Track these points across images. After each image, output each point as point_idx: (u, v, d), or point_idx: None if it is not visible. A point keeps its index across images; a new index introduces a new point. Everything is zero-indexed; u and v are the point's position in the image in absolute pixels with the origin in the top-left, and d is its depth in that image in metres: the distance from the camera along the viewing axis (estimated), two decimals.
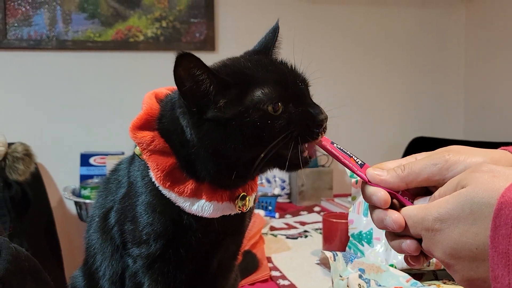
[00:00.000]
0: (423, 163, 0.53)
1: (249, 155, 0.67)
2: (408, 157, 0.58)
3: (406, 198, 0.55)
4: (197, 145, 0.68)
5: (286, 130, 0.64)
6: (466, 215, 0.46)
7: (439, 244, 0.48)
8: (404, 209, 0.53)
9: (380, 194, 0.54)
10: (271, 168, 0.72)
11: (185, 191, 0.71)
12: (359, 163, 0.59)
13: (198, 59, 0.63)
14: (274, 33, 0.77)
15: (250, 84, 0.66)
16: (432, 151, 0.55)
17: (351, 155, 0.60)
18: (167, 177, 0.71)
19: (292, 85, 0.67)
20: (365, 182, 0.57)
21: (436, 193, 0.52)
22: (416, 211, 0.51)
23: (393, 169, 0.55)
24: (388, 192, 0.54)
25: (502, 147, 0.55)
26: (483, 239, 0.45)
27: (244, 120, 0.64)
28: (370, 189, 0.56)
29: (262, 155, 0.66)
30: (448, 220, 0.47)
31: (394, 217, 0.53)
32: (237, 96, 0.65)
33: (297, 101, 0.66)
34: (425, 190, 0.57)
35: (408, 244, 0.53)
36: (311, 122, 0.65)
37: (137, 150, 0.75)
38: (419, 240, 0.52)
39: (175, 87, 0.77)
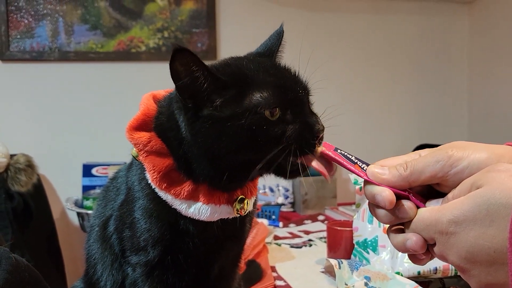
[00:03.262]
0: (425, 161, 0.51)
1: (241, 157, 0.66)
2: (411, 153, 0.56)
3: (424, 204, 0.52)
4: (191, 142, 0.67)
5: (282, 139, 0.63)
6: (483, 216, 0.44)
7: (453, 247, 0.46)
8: (418, 211, 0.51)
9: (385, 194, 0.52)
10: (267, 173, 0.70)
11: (182, 193, 0.70)
12: (365, 169, 0.57)
13: (195, 56, 0.61)
14: (278, 36, 0.76)
15: (249, 86, 0.65)
16: (436, 147, 0.53)
17: (356, 161, 0.58)
18: (163, 178, 0.70)
19: (292, 92, 0.66)
20: (368, 182, 0.54)
21: (449, 195, 0.50)
22: (429, 213, 0.49)
23: (395, 168, 0.53)
24: (400, 194, 0.52)
25: (507, 143, 0.54)
26: (501, 242, 0.43)
27: (239, 122, 0.63)
28: (375, 189, 0.53)
29: (259, 165, 0.65)
30: (464, 222, 0.45)
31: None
32: (235, 97, 0.64)
33: (295, 109, 0.65)
34: (429, 188, 0.55)
35: (414, 241, 0.50)
36: (308, 134, 0.64)
37: (134, 151, 0.74)
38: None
39: (173, 89, 0.77)
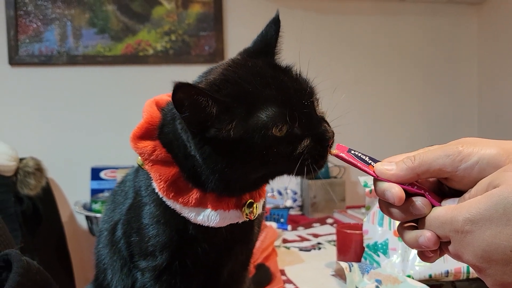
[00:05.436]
0: (435, 154, 0.51)
1: (255, 175, 0.66)
2: (420, 149, 0.55)
3: (439, 203, 0.52)
4: (202, 164, 0.66)
5: (293, 155, 0.62)
6: (499, 215, 0.44)
7: (469, 246, 0.46)
8: (434, 209, 0.51)
9: (395, 190, 0.52)
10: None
11: (190, 201, 0.69)
12: None
13: (197, 87, 0.59)
14: (275, 27, 0.72)
15: (252, 104, 0.62)
16: (445, 144, 0.53)
17: (370, 162, 0.58)
18: (170, 187, 0.70)
19: (297, 103, 0.63)
20: (378, 180, 0.54)
21: (466, 195, 0.50)
22: (445, 211, 0.49)
23: (401, 161, 0.53)
24: (416, 192, 0.52)
25: None
26: None
27: (248, 143, 0.61)
28: (384, 185, 0.53)
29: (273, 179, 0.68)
30: (480, 221, 0.45)
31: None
32: (240, 117, 0.62)
33: (303, 120, 0.63)
34: (438, 186, 0.55)
35: (427, 237, 0.50)
36: (320, 146, 0.63)
37: (139, 160, 0.74)
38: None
39: None
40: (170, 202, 0.71)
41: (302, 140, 0.63)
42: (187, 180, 0.70)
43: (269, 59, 0.71)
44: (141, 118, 0.74)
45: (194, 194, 0.69)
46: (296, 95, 0.64)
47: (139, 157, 0.73)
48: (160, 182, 0.69)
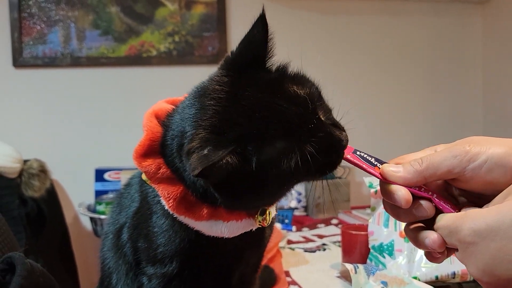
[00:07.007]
0: (442, 155, 0.50)
1: (275, 200, 0.69)
2: (427, 149, 0.55)
3: (448, 206, 0.51)
4: (218, 198, 0.64)
5: (309, 174, 0.62)
6: (505, 228, 0.43)
7: (472, 258, 0.45)
8: (442, 216, 0.50)
9: (401, 193, 0.51)
10: None
11: (202, 215, 0.68)
12: None
13: (212, 162, 0.55)
14: (263, 30, 0.65)
15: (259, 144, 0.59)
16: (452, 143, 0.52)
17: (376, 163, 0.57)
18: (180, 204, 0.67)
19: (302, 127, 0.60)
20: (385, 181, 0.54)
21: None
22: (453, 219, 0.48)
23: (409, 163, 0.52)
24: (423, 195, 0.51)
25: None
26: None
27: (262, 177, 0.59)
28: (391, 188, 0.52)
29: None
30: (484, 233, 0.44)
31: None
32: (250, 155, 0.59)
33: (314, 138, 0.60)
34: (445, 187, 0.54)
35: (432, 239, 0.49)
36: (335, 155, 0.62)
37: (145, 176, 0.72)
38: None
39: (175, 97, 0.75)
40: (181, 218, 0.69)
41: (318, 156, 0.60)
42: (195, 196, 0.68)
43: (258, 74, 0.65)
44: (142, 132, 0.72)
45: (205, 209, 0.68)
46: (299, 120, 0.60)
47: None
48: (169, 200, 0.67)
